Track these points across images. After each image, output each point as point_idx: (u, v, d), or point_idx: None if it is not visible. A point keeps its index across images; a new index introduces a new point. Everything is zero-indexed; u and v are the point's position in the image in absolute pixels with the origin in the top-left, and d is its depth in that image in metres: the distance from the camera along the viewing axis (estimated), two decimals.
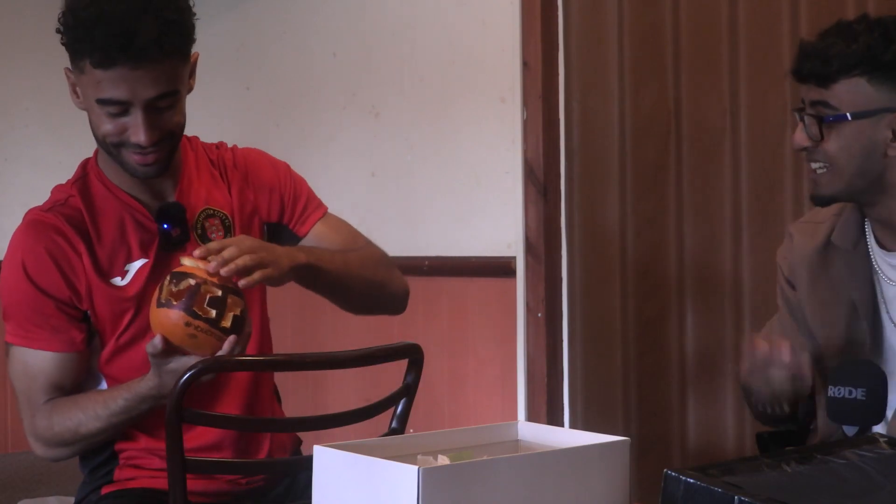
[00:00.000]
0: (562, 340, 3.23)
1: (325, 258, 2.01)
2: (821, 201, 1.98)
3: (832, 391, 1.82)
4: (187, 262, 1.81)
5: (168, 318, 1.75)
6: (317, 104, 4.10)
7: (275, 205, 2.14)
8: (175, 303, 1.75)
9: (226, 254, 1.80)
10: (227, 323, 1.76)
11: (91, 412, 1.93)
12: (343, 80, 4.00)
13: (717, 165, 3.34)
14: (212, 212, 2.06)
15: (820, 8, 3.34)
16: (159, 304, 1.77)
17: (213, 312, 1.75)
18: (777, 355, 1.84)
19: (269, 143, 4.24)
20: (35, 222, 1.98)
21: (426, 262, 3.65)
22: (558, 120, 3.24)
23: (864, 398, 1.79)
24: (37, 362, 1.97)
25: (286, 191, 2.16)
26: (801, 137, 1.93)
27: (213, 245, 1.83)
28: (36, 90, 4.68)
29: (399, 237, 3.75)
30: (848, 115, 1.88)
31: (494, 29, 3.45)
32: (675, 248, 3.30)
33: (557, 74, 3.23)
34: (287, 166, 2.21)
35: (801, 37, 3.33)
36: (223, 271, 1.78)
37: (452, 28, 3.61)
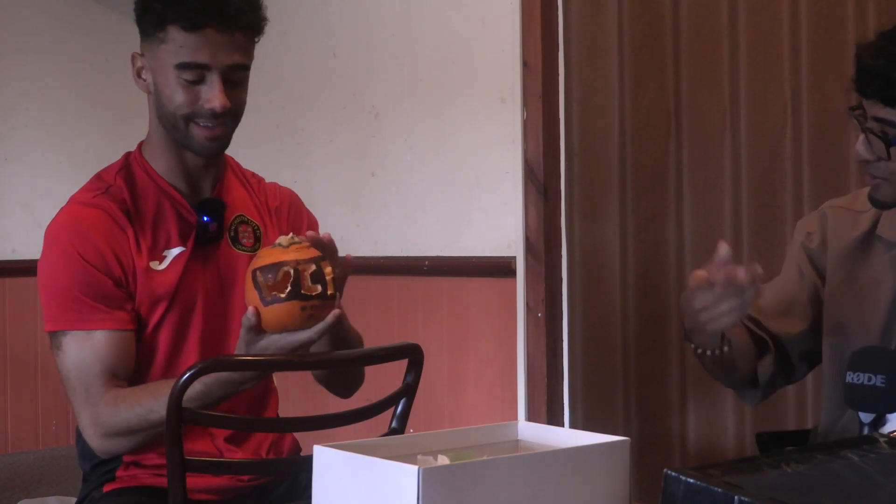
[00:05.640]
0: (562, 340, 3.23)
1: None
2: (881, 206, 1.93)
3: (850, 377, 1.80)
4: (265, 252, 1.79)
5: (283, 311, 1.74)
6: (317, 104, 4.10)
7: None
8: (282, 295, 1.73)
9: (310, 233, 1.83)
10: (331, 289, 1.76)
11: (164, 398, 1.80)
12: (343, 80, 4.00)
13: (717, 165, 3.34)
14: (245, 219, 2.10)
15: (820, 8, 3.34)
16: (266, 303, 1.74)
17: (319, 287, 1.75)
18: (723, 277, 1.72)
19: (270, 143, 4.25)
20: (79, 206, 1.98)
21: (426, 262, 3.65)
22: (558, 120, 3.23)
23: (883, 385, 1.77)
24: (92, 346, 1.92)
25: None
26: (864, 151, 1.87)
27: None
28: (36, 91, 4.67)
29: (399, 237, 3.75)
30: None
31: (494, 29, 3.44)
32: (675, 248, 3.30)
33: (557, 74, 3.23)
34: (317, 221, 2.24)
35: (801, 37, 3.36)
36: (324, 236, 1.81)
37: (452, 28, 3.61)
